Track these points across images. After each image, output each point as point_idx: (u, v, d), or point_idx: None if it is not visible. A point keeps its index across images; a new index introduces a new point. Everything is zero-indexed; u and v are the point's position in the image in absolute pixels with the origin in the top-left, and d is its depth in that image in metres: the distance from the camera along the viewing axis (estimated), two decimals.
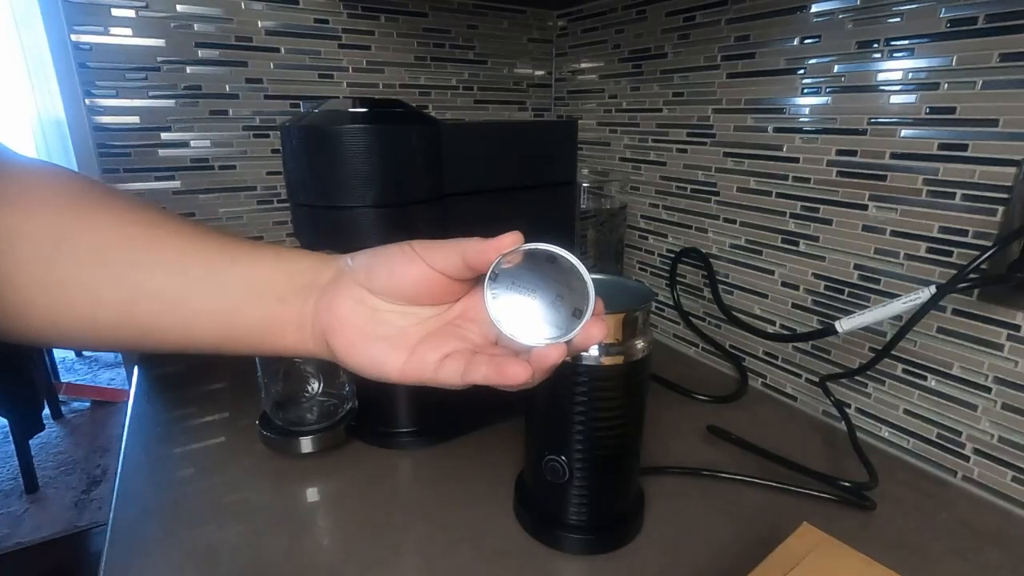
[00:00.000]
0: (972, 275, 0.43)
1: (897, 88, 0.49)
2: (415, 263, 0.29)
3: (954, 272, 0.44)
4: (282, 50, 0.71)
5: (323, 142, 0.42)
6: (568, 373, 0.37)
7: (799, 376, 0.62)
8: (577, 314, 0.26)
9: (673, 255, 0.74)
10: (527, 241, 0.27)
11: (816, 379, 0.58)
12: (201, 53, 0.67)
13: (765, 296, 0.64)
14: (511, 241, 0.27)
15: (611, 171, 0.81)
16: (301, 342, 0.31)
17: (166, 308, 0.29)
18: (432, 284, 0.29)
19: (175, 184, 0.69)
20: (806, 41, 0.55)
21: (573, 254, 0.27)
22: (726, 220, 0.66)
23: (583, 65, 0.85)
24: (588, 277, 0.27)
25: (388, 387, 0.53)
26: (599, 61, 0.82)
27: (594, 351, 0.36)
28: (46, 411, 1.91)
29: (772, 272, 0.62)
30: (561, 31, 0.88)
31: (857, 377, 0.55)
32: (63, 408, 2.06)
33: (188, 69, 0.67)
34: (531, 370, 0.26)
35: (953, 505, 0.47)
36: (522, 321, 0.27)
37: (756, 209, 0.63)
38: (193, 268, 0.30)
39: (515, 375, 0.26)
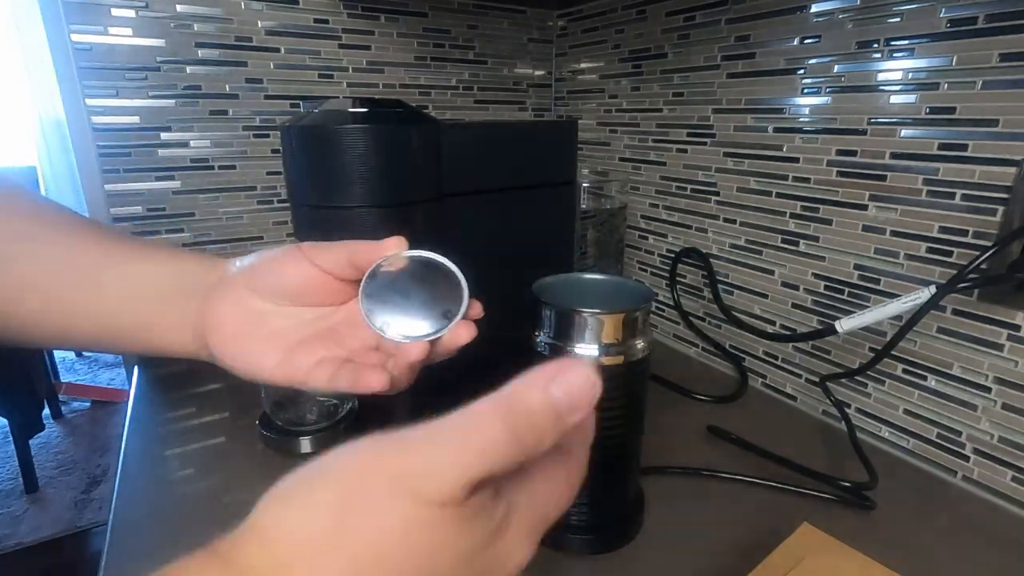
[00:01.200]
0: (972, 275, 0.43)
1: (897, 88, 0.49)
2: (301, 263, 0.29)
3: (954, 272, 0.44)
4: (282, 50, 0.71)
5: (323, 142, 0.42)
6: None
7: (799, 376, 0.62)
8: (447, 315, 0.29)
9: (673, 255, 0.74)
10: (429, 254, 0.29)
11: (816, 379, 0.58)
12: (201, 53, 0.67)
13: (765, 296, 0.64)
14: (394, 244, 0.28)
15: (611, 171, 0.81)
16: (182, 342, 0.31)
17: (45, 303, 0.30)
18: (317, 284, 0.30)
19: (175, 184, 0.69)
20: (806, 41, 0.55)
21: (452, 262, 0.29)
22: (726, 220, 0.66)
23: (583, 65, 0.85)
24: (464, 283, 0.29)
25: None
26: (599, 61, 0.82)
27: (594, 351, 0.36)
28: (46, 411, 1.91)
29: (772, 272, 0.62)
30: (561, 31, 0.88)
31: (857, 377, 0.55)
32: (63, 408, 2.06)
33: (188, 69, 0.67)
34: (387, 377, 0.27)
35: (953, 505, 0.47)
36: (393, 320, 0.28)
37: (756, 209, 0.63)
38: (76, 265, 0.30)
39: (371, 383, 0.27)
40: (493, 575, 0.20)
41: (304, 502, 0.18)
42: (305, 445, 0.51)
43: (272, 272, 0.30)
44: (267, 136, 0.73)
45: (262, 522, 0.18)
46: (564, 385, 0.18)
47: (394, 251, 0.29)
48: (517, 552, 0.21)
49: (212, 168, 0.71)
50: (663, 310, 0.78)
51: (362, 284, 0.29)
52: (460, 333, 0.29)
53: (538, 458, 0.20)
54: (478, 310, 0.31)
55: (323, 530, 0.17)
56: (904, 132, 0.49)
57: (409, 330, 0.28)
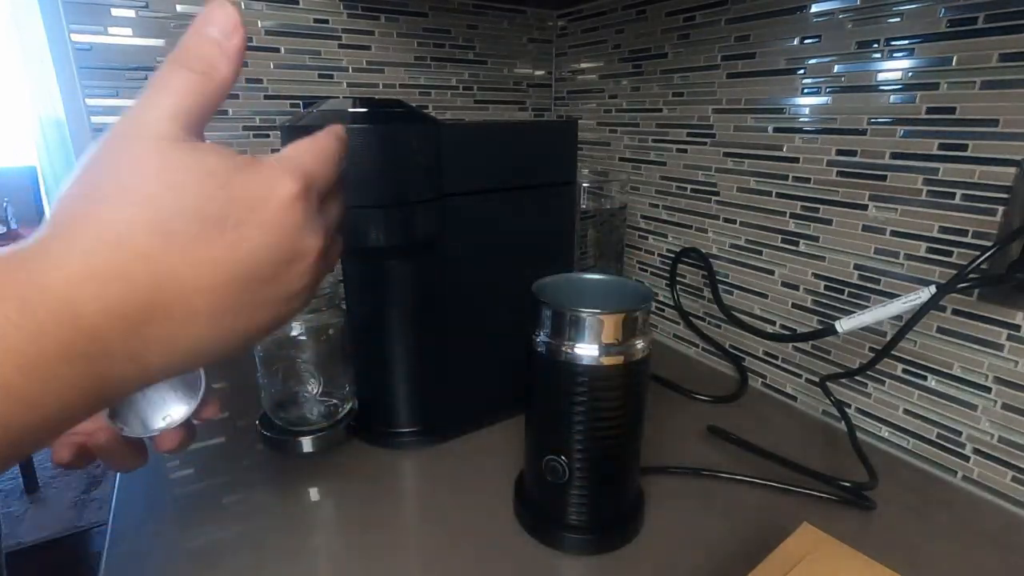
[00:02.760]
0: (972, 275, 0.43)
1: (897, 88, 0.49)
2: None
3: (954, 272, 0.44)
4: (282, 50, 0.71)
5: None
6: (568, 373, 0.37)
7: (799, 376, 0.62)
8: (166, 419, 0.30)
9: (673, 255, 0.74)
10: None
11: (816, 379, 0.58)
12: None
13: (765, 296, 0.64)
14: None
15: (611, 171, 0.81)
16: None
17: None
18: None
19: None
20: (806, 41, 0.55)
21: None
22: (726, 220, 0.66)
23: (583, 65, 0.85)
24: (202, 390, 0.31)
25: (388, 387, 0.53)
26: (599, 61, 0.82)
27: (594, 351, 0.36)
28: None
29: (772, 272, 0.62)
30: (561, 31, 0.88)
31: (857, 377, 0.55)
32: None
33: None
34: (70, 452, 0.29)
35: (953, 505, 0.47)
36: (127, 410, 0.30)
37: (756, 209, 0.63)
38: None
39: (56, 456, 0.29)
40: (258, 201, 0.22)
41: (67, 185, 0.21)
42: (305, 445, 0.51)
43: None
44: (267, 136, 0.73)
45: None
46: (211, 20, 0.23)
47: None
48: (281, 183, 0.23)
49: None
50: (663, 310, 0.78)
51: None
52: (163, 441, 0.30)
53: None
54: (213, 411, 0.32)
55: (81, 189, 0.21)
56: (904, 132, 0.49)
57: (138, 423, 0.30)
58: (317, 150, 0.25)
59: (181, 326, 0.21)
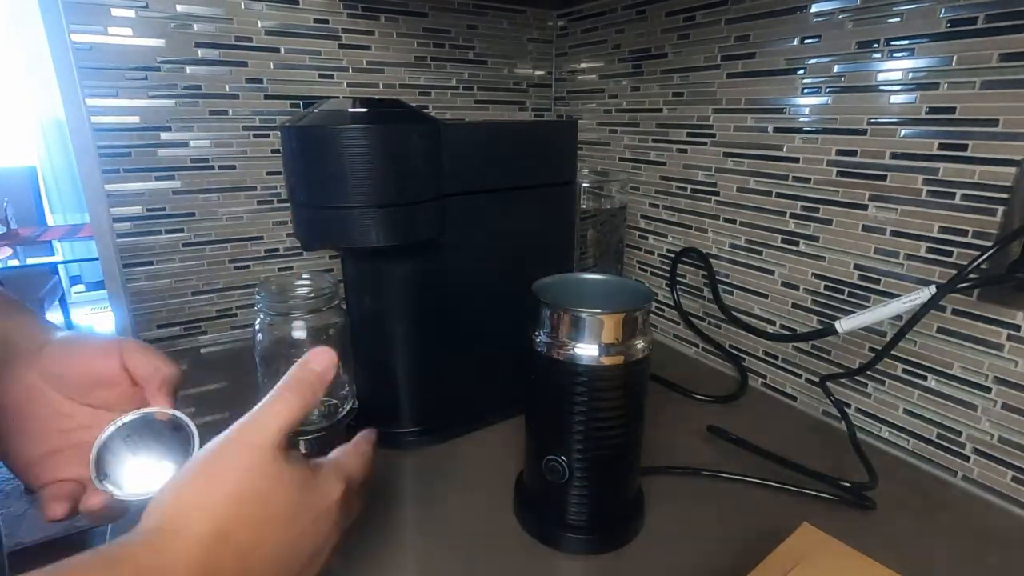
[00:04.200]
0: (972, 275, 0.43)
1: (897, 88, 0.49)
2: (112, 358, 0.32)
3: (954, 272, 0.44)
4: (282, 50, 0.71)
5: (323, 142, 0.42)
6: (568, 373, 0.37)
7: (799, 376, 0.62)
8: (159, 480, 0.30)
9: (673, 255, 0.74)
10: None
11: (816, 379, 0.58)
12: (201, 53, 0.67)
13: (765, 296, 0.64)
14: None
15: (611, 171, 0.81)
16: None
17: None
18: (113, 382, 0.33)
19: (175, 184, 0.69)
20: (806, 41, 0.55)
21: (193, 423, 0.33)
22: (726, 220, 0.66)
23: (583, 65, 0.85)
24: (195, 448, 0.32)
25: (388, 387, 0.53)
26: (599, 61, 0.82)
27: (594, 351, 0.36)
28: None
29: (772, 272, 0.62)
30: (561, 31, 0.88)
31: (857, 377, 0.55)
32: None
33: (188, 69, 0.67)
34: (66, 507, 0.31)
35: (953, 505, 0.47)
36: (116, 472, 0.31)
37: (756, 209, 0.63)
38: None
39: (50, 512, 0.31)
40: (318, 502, 0.28)
41: (184, 475, 0.26)
42: (305, 445, 0.51)
43: (75, 359, 0.32)
44: (267, 136, 0.73)
45: (151, 509, 0.25)
46: (318, 361, 0.31)
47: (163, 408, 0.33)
48: (334, 489, 0.29)
49: (212, 168, 0.71)
50: (663, 310, 0.78)
51: (100, 436, 0.31)
52: None
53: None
54: None
55: (201, 484, 0.25)
56: (904, 132, 0.49)
57: (131, 485, 0.31)
58: (359, 457, 0.32)
59: None
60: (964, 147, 0.45)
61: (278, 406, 0.28)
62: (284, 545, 0.26)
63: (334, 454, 0.32)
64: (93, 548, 0.22)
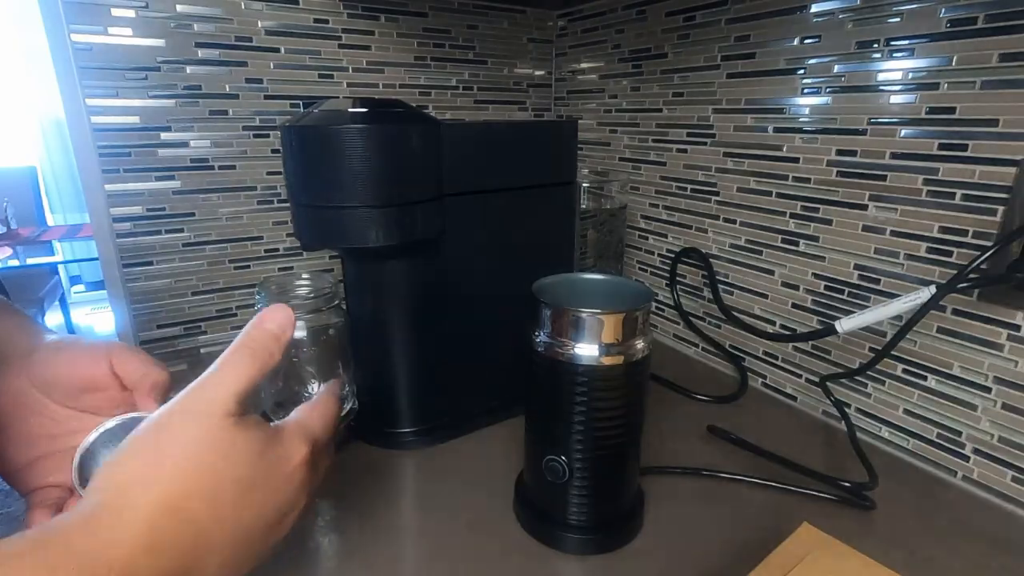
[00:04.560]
0: (972, 275, 0.43)
1: (897, 88, 0.49)
2: (100, 363, 0.31)
3: (954, 272, 0.44)
4: (282, 50, 0.71)
5: (323, 142, 0.42)
6: (568, 373, 0.37)
7: (799, 376, 0.62)
8: None
9: (673, 255, 0.74)
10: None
11: (816, 379, 0.58)
12: (201, 53, 0.67)
13: (765, 296, 0.64)
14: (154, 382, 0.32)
15: (611, 171, 0.81)
16: None
17: None
18: (101, 386, 0.32)
19: (175, 184, 0.69)
20: (806, 41, 0.55)
21: None
22: (726, 220, 0.66)
23: (583, 65, 0.85)
24: None
25: (388, 387, 0.53)
26: (599, 61, 0.82)
27: (594, 351, 0.36)
28: None
29: (772, 272, 0.62)
30: (561, 31, 0.88)
31: (857, 377, 0.55)
32: None
33: (188, 69, 0.67)
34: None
35: (953, 505, 0.47)
36: None
37: (756, 209, 0.63)
38: None
39: (33, 520, 0.30)
40: (280, 467, 0.26)
41: (126, 450, 0.24)
42: None
43: (63, 364, 0.31)
44: (267, 136, 0.73)
45: (94, 484, 0.23)
46: (272, 319, 0.29)
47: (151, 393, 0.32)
48: (297, 451, 0.27)
49: (212, 168, 0.71)
50: (663, 310, 0.78)
51: (82, 443, 0.31)
52: None
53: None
54: None
55: (145, 458, 0.23)
56: (904, 132, 0.49)
57: None
58: (323, 417, 0.30)
59: None
60: (964, 147, 0.45)
61: (227, 370, 0.26)
62: (246, 514, 0.24)
63: (296, 414, 0.30)
64: (20, 532, 0.20)
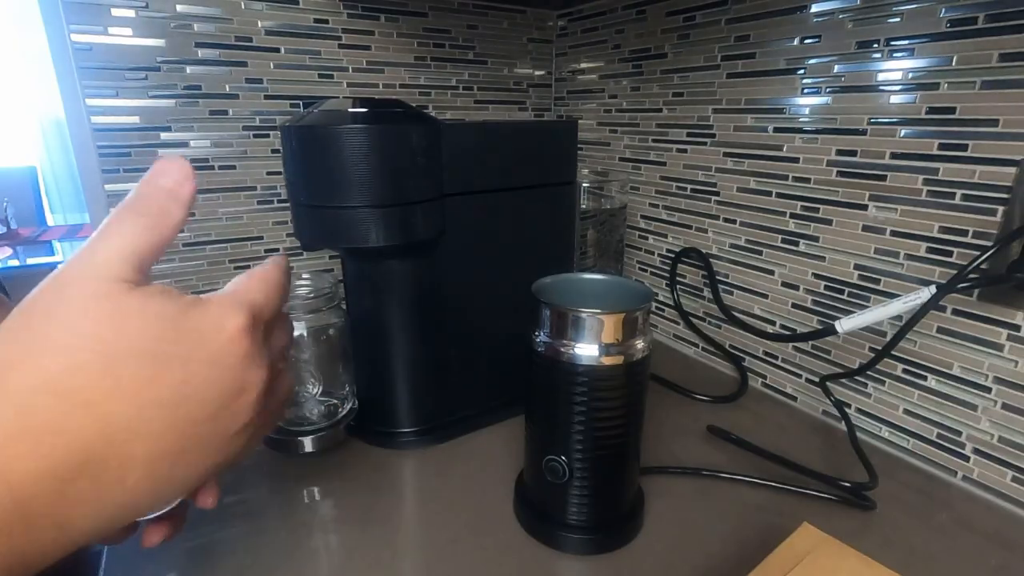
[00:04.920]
0: (972, 275, 0.43)
1: (897, 88, 0.49)
2: None
3: (954, 272, 0.44)
4: (282, 50, 0.71)
5: (323, 142, 0.42)
6: (568, 373, 0.37)
7: (799, 376, 0.62)
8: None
9: (673, 255, 0.74)
10: None
11: (816, 379, 0.58)
12: (201, 53, 0.67)
13: (765, 296, 0.64)
14: None
15: (611, 171, 0.81)
16: None
17: None
18: None
19: None
20: (806, 41, 0.55)
21: None
22: (726, 220, 0.66)
23: (583, 65, 0.85)
24: None
25: (388, 387, 0.53)
26: (599, 61, 0.82)
27: (594, 351, 0.36)
28: None
29: (772, 272, 0.62)
30: (561, 31, 0.88)
31: (857, 377, 0.55)
32: None
33: (188, 69, 0.67)
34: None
35: (953, 505, 0.47)
36: None
37: (756, 209, 0.63)
38: None
39: None
40: (208, 339, 0.22)
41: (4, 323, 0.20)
42: (306, 445, 0.51)
43: None
44: (267, 136, 0.73)
45: None
46: (164, 171, 0.24)
47: None
48: (229, 318, 0.23)
49: (212, 168, 0.71)
50: (663, 310, 0.78)
51: None
52: (150, 535, 0.27)
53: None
54: (209, 499, 0.28)
55: (16, 337, 0.20)
56: (904, 132, 0.49)
57: None
58: (262, 282, 0.26)
59: (114, 478, 0.20)
60: (964, 147, 0.45)
61: (112, 231, 0.22)
62: (167, 394, 0.21)
63: (228, 285, 0.25)
64: None
